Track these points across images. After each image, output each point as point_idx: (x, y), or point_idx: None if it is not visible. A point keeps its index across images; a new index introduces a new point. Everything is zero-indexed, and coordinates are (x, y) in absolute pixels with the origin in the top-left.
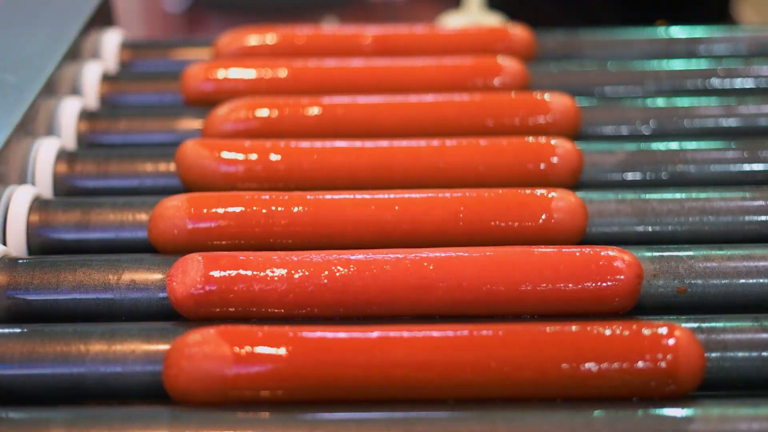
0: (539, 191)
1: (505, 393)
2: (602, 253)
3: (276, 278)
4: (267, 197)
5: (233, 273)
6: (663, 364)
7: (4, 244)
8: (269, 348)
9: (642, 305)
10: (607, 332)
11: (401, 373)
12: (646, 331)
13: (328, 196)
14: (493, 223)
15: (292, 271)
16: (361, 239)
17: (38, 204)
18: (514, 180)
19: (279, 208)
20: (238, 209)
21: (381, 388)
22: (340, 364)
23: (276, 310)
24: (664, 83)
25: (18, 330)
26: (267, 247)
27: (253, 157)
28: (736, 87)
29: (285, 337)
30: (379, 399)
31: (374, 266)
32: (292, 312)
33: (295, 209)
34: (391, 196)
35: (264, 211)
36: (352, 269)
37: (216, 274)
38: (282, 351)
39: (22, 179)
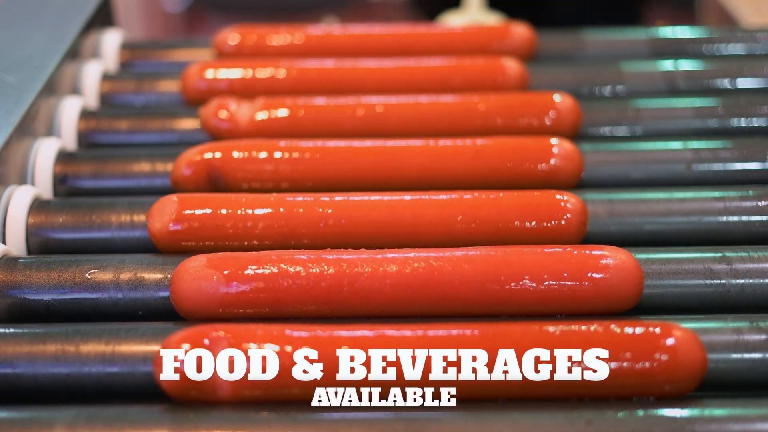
0: (541, 193)
1: (502, 393)
2: (600, 253)
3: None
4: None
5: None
6: (661, 364)
7: (4, 243)
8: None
9: (644, 306)
10: (605, 331)
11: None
12: (644, 330)
13: (335, 198)
14: (494, 224)
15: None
16: (360, 239)
17: (38, 204)
18: (514, 181)
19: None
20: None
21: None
22: None
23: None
24: (664, 83)
25: (18, 330)
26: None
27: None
28: (736, 87)
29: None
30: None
31: (361, 266)
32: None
33: (292, 208)
34: (397, 197)
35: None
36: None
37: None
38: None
39: (22, 179)
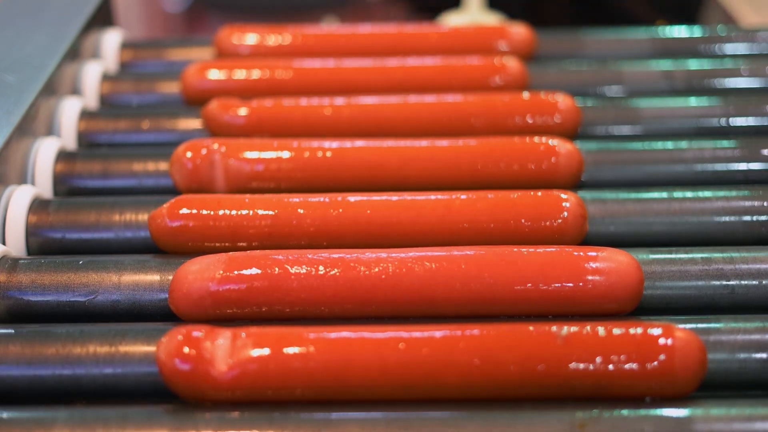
0: (540, 192)
1: (502, 393)
2: (599, 254)
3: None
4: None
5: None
6: (660, 365)
7: (4, 244)
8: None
9: (645, 306)
10: (605, 332)
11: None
12: (643, 331)
13: (336, 198)
14: (493, 224)
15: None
16: (358, 239)
17: (38, 204)
18: (514, 181)
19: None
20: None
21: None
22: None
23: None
24: (664, 83)
25: (18, 330)
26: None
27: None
28: (736, 87)
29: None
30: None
31: (359, 266)
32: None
33: (299, 210)
34: (396, 197)
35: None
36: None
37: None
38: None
39: (22, 179)
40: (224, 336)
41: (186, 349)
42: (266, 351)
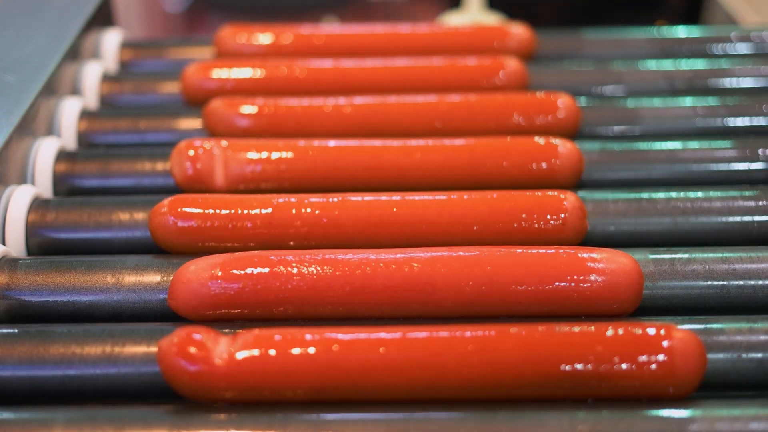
0: (540, 192)
1: (502, 393)
2: (598, 255)
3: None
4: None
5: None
6: (661, 365)
7: (4, 244)
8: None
9: (645, 306)
10: (605, 332)
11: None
12: (643, 332)
13: (335, 198)
14: (493, 224)
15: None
16: (359, 239)
17: (38, 204)
18: (514, 181)
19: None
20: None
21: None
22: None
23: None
24: (664, 83)
25: (18, 330)
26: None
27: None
28: (736, 87)
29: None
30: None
31: (358, 267)
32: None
33: (302, 210)
34: (396, 197)
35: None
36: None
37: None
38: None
39: (22, 179)
40: (225, 335)
41: (187, 348)
42: (266, 350)
